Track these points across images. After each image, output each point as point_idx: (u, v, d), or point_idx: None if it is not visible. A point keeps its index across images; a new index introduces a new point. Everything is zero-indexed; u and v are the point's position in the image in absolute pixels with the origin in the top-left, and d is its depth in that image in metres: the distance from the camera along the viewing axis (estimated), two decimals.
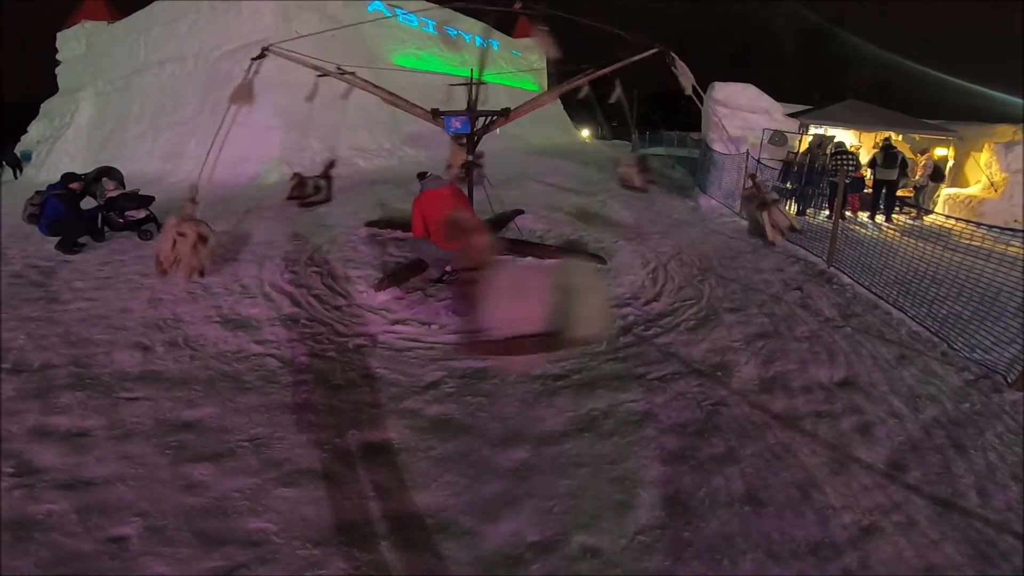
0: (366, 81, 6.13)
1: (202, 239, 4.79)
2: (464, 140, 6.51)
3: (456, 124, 6.16)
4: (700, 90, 5.42)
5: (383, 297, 5.35)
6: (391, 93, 6.22)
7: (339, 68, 6.12)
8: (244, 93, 5.27)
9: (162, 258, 4.66)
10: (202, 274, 5.09)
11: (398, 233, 7.27)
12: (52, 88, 24.32)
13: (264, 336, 4.58)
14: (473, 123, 6.23)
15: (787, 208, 11.06)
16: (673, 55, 5.67)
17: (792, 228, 6.29)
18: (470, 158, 6.66)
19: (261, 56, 5.55)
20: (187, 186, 5.29)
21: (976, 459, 3.18)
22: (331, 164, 8.95)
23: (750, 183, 6.62)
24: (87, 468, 2.90)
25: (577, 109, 35.66)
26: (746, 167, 10.82)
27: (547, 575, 2.35)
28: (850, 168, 9.95)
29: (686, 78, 5.71)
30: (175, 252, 4.62)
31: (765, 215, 6.07)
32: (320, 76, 6.30)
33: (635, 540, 2.53)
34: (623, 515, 2.68)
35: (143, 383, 3.79)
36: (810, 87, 38.19)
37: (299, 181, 8.24)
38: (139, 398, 3.60)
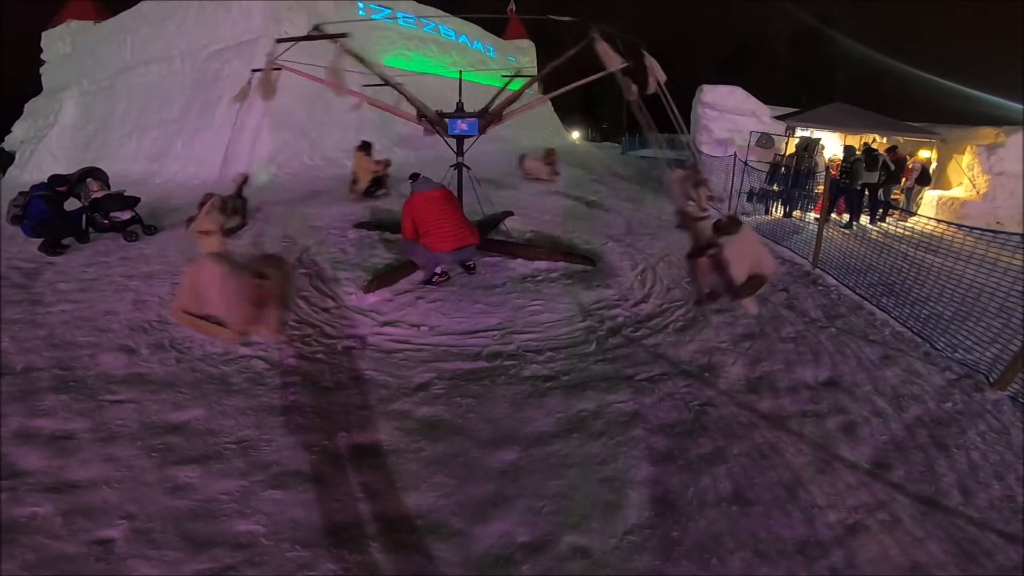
0: (370, 98, 5.95)
1: (286, 277, 3.47)
2: (371, 148, 6.30)
3: (462, 126, 6.07)
4: (666, 92, 4.96)
5: (372, 299, 5.33)
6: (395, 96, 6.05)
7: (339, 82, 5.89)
8: (268, 85, 4.94)
9: (235, 319, 3.26)
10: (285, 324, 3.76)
11: (387, 235, 7.25)
12: (36, 88, 23.98)
13: (251, 338, 4.54)
14: (481, 125, 6.09)
15: (774, 209, 11.25)
16: (644, 52, 5.38)
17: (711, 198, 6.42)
18: (460, 160, 6.65)
19: (276, 68, 5.14)
20: (172, 187, 4.27)
21: (959, 458, 3.23)
22: (244, 180, 6.08)
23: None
24: (72, 471, 2.87)
25: (567, 111, 35.76)
26: (732, 170, 10.94)
27: (537, 575, 2.36)
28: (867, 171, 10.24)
29: (652, 74, 5.25)
30: (258, 301, 3.25)
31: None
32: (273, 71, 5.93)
33: (624, 540, 2.55)
34: (612, 515, 2.70)
35: (128, 386, 3.75)
36: (799, 88, 38.49)
37: (219, 204, 5.80)
38: (124, 401, 3.56)
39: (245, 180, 6.86)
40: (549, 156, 10.33)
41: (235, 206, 5.98)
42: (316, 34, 5.10)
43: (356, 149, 9.03)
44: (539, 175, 10.31)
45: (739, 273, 3.62)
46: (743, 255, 3.66)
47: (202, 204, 5.12)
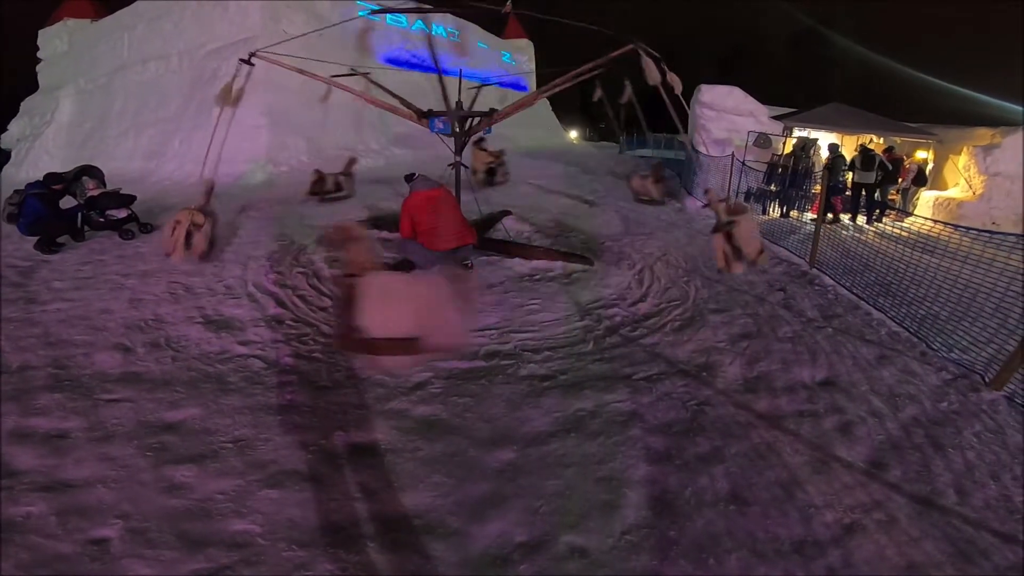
0: (365, 80, 6.20)
1: (196, 225, 5.24)
2: (484, 143, 6.66)
3: (439, 125, 6.25)
4: (670, 88, 5.13)
5: None
6: (386, 94, 6.26)
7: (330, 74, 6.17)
8: (227, 95, 5.29)
9: (163, 243, 5.33)
10: (202, 257, 5.47)
11: (385, 234, 7.24)
12: (33, 86, 23.91)
13: (248, 337, 4.54)
14: (459, 123, 6.24)
15: (771, 209, 11.23)
16: (645, 48, 5.47)
17: (753, 263, 4.56)
18: (458, 159, 6.65)
19: (248, 61, 5.55)
20: (169, 185, 5.30)
21: (954, 458, 3.23)
22: (352, 161, 9.90)
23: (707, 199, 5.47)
24: (66, 470, 2.85)
25: (565, 111, 35.81)
26: (730, 170, 10.95)
27: (535, 575, 2.36)
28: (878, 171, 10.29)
29: (651, 74, 5.40)
30: (174, 238, 5.16)
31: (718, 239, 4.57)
32: (336, 76, 6.52)
33: (622, 540, 2.55)
34: (610, 515, 2.69)
35: (124, 384, 3.74)
36: (797, 89, 38.64)
37: (319, 177, 9.09)
38: (120, 399, 3.54)
39: (353, 161, 9.77)
40: (658, 174, 10.24)
41: (339, 182, 9.41)
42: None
43: (471, 144, 9.62)
44: (648, 194, 10.21)
45: (393, 324, 2.75)
46: (415, 305, 2.83)
47: (313, 179, 9.04)
